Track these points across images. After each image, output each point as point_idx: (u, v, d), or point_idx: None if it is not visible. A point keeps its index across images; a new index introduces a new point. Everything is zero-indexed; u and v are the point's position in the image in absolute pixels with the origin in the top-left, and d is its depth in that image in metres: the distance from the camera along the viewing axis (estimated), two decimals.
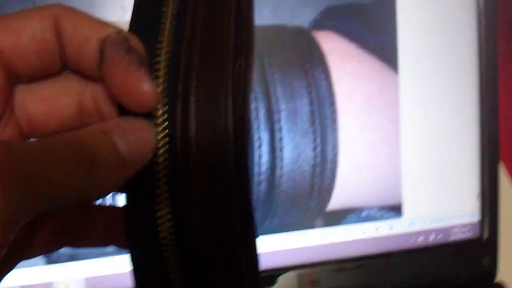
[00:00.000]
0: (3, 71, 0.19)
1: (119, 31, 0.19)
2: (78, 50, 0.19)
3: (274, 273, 0.48)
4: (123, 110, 0.19)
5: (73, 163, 0.17)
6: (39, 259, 0.43)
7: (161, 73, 0.19)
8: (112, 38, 0.18)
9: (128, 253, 0.19)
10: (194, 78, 0.18)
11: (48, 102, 0.20)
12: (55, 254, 0.43)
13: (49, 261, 0.43)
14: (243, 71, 0.19)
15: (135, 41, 0.18)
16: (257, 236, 0.20)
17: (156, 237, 0.18)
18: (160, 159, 0.18)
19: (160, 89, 0.18)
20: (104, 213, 0.23)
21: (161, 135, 0.18)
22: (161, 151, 0.18)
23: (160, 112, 0.18)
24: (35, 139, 0.21)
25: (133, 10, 0.20)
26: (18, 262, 0.22)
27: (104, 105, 0.20)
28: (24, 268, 0.43)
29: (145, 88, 0.18)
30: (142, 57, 0.18)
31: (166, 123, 0.18)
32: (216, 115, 0.18)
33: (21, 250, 0.22)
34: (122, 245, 0.22)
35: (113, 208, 0.23)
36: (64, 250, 0.43)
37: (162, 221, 0.18)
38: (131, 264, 0.19)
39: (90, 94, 0.20)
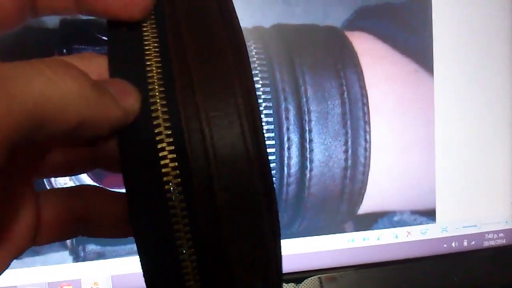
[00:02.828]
0: None
1: None
2: None
3: (302, 276, 0.47)
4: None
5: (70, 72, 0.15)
6: (67, 257, 0.43)
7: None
8: None
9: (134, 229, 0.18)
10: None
11: None
12: (83, 253, 0.43)
13: (77, 259, 0.43)
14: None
15: None
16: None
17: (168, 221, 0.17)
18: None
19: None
20: (116, 201, 0.22)
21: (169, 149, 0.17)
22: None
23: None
24: None
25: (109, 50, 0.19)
26: (28, 247, 0.21)
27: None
28: (53, 266, 0.43)
29: None
30: None
31: (172, 138, 0.17)
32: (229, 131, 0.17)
33: (31, 231, 0.21)
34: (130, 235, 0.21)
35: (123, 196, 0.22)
36: (92, 248, 0.43)
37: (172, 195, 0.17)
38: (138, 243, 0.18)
39: (95, 70, 0.19)
